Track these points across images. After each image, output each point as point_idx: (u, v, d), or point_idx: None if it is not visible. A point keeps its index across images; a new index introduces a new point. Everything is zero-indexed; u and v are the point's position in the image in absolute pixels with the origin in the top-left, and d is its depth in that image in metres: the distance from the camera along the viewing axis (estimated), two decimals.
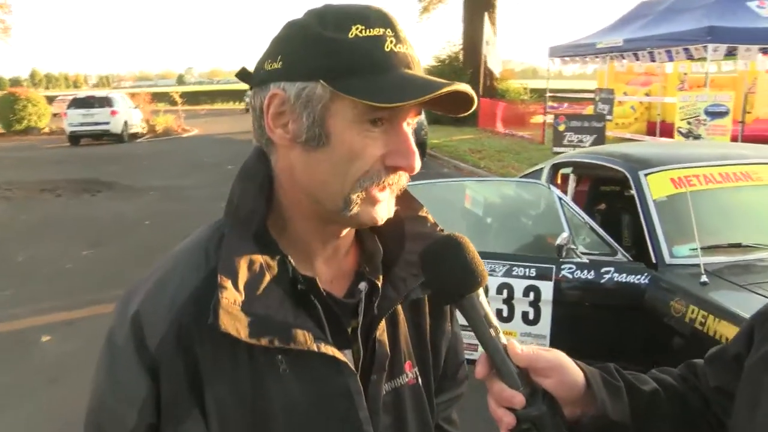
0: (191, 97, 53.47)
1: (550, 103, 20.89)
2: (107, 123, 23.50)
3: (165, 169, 16.08)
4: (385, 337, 0.94)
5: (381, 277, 0.94)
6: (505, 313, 3.41)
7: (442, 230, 0.99)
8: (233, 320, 0.79)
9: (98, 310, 5.87)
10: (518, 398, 0.84)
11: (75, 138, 23.54)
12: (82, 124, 23.33)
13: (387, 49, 0.81)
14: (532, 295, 3.35)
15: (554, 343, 3.34)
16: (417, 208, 0.99)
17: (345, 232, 0.92)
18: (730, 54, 12.68)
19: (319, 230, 0.90)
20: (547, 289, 3.32)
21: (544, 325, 3.34)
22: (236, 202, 0.88)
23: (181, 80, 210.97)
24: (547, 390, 0.87)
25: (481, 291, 0.86)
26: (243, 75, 0.91)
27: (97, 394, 0.87)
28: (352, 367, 0.88)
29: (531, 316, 3.37)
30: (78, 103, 24.01)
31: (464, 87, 0.81)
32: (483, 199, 4.57)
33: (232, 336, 0.79)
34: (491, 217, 4.58)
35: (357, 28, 0.81)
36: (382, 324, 0.93)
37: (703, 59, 12.14)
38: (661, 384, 1.01)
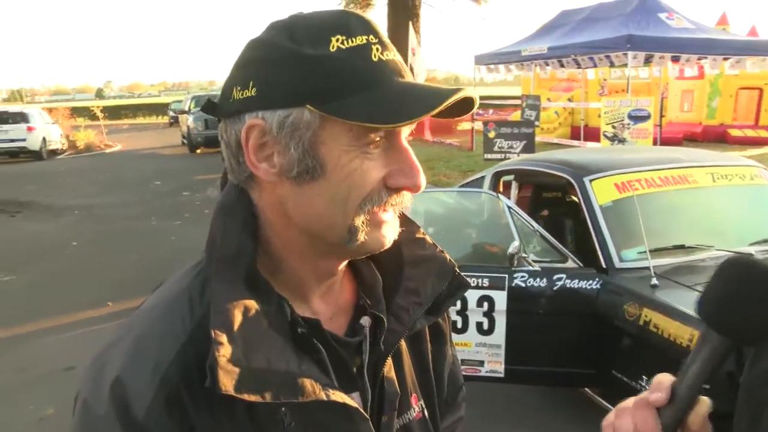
0: (112, 112, 51.77)
1: (476, 110, 21.25)
2: (23, 140, 22.35)
3: (88, 186, 15.38)
4: (393, 374, 0.87)
5: (385, 309, 0.87)
6: (459, 324, 3.39)
7: (442, 251, 0.94)
8: (233, 379, 0.69)
9: (28, 340, 5.54)
10: None
11: None
12: None
13: (375, 59, 0.73)
14: (485, 305, 3.34)
15: (509, 352, 3.34)
16: (414, 229, 0.92)
17: (342, 266, 0.85)
18: (646, 61, 13.31)
19: (315, 267, 0.82)
20: (500, 298, 3.32)
21: (499, 334, 3.34)
22: (219, 240, 0.77)
23: (100, 94, 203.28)
24: None
25: None
26: (209, 108, 0.81)
27: None
28: (363, 412, 0.81)
29: (485, 327, 3.36)
30: None
31: (470, 92, 0.75)
32: (423, 211, 4.53)
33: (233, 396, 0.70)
34: (433, 228, 4.55)
35: (337, 40, 0.72)
36: (389, 360, 0.87)
37: (624, 66, 12.64)
38: None
